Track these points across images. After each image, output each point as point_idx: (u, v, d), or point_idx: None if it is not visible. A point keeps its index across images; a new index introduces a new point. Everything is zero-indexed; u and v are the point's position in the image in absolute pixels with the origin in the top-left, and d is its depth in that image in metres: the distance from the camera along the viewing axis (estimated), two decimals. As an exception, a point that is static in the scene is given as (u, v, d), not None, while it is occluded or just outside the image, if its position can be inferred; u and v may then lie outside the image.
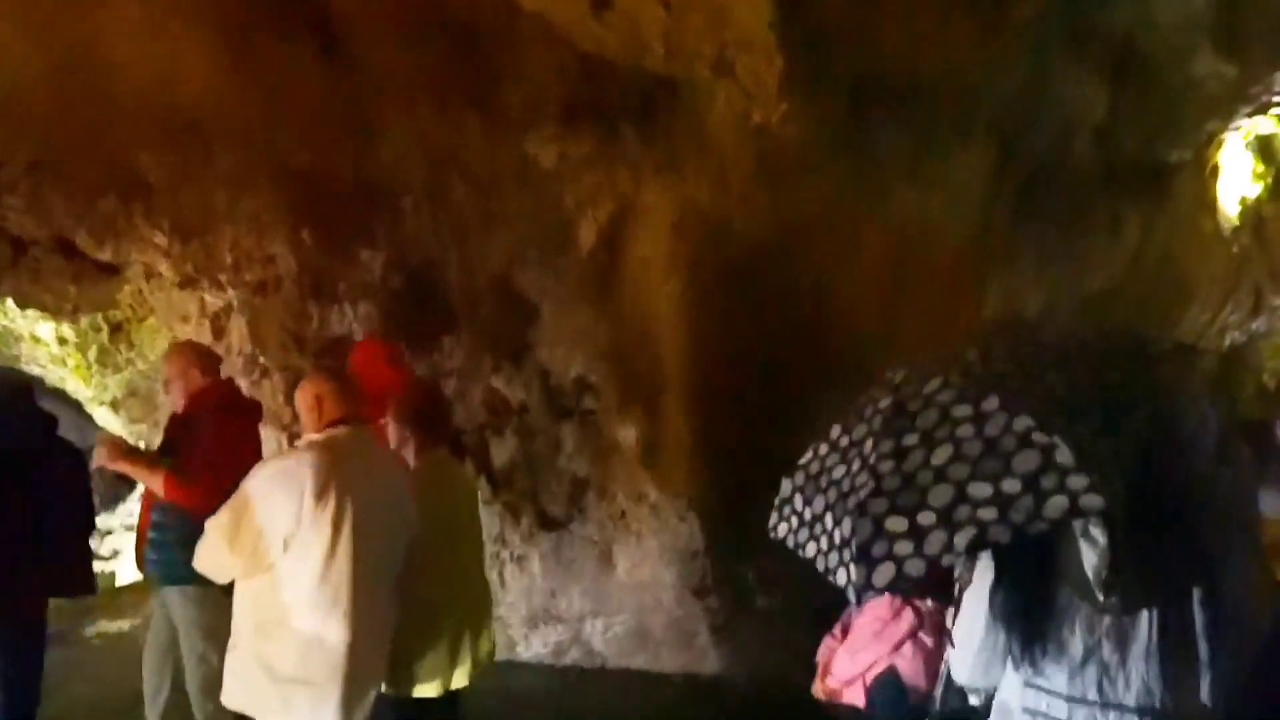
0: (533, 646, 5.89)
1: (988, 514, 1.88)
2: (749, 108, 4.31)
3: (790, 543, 2.15)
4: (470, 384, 5.92)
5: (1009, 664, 2.08)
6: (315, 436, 3.11)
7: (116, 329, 9.04)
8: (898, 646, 3.14)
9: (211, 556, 2.98)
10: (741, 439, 4.70)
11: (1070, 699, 2.00)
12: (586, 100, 4.67)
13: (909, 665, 3.10)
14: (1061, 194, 5.24)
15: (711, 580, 5.43)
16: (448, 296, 5.83)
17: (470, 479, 3.57)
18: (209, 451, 3.71)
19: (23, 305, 8.43)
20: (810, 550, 2.09)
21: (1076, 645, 1.99)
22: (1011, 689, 2.09)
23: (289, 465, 2.99)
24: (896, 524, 1.94)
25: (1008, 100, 4.89)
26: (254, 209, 6.02)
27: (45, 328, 9.91)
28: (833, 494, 2.09)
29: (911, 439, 2.04)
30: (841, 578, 1.97)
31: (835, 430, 2.19)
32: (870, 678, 3.18)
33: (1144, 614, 1.94)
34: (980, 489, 1.91)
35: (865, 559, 1.94)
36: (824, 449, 2.19)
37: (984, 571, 2.08)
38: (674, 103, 4.58)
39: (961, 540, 1.89)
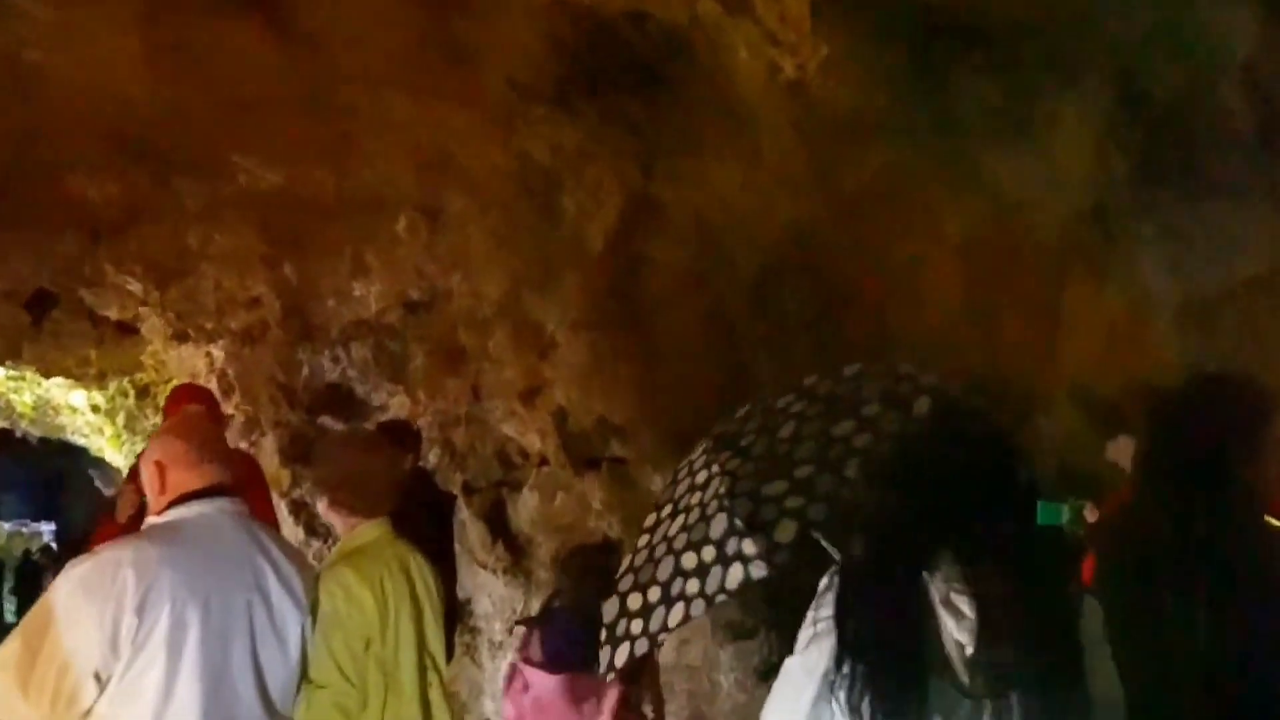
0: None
1: (693, 586, 1.81)
2: (778, 58, 3.30)
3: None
4: (481, 432, 5.02)
5: None
6: (154, 520, 2.20)
7: (143, 392, 8.59)
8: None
9: (-2, 706, 2.07)
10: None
11: None
12: (580, 74, 3.73)
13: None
14: (1202, 155, 4.06)
15: (777, 660, 4.36)
16: (452, 331, 4.95)
17: (422, 570, 2.57)
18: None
19: (46, 373, 7.99)
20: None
21: None
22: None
23: (101, 568, 2.06)
24: (634, 601, 1.91)
25: (1127, 36, 3.79)
26: (229, 244, 5.27)
27: (78, 396, 9.66)
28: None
29: (665, 510, 2.02)
30: (603, 659, 1.96)
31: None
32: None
33: (1016, 699, 1.63)
34: (689, 559, 1.85)
35: (611, 639, 1.92)
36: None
37: (819, 651, 1.70)
38: (686, 66, 3.60)
39: (675, 617, 1.82)
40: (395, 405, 5.17)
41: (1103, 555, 2.18)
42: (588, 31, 3.75)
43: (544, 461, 4.85)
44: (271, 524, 2.64)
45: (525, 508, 4.87)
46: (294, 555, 2.37)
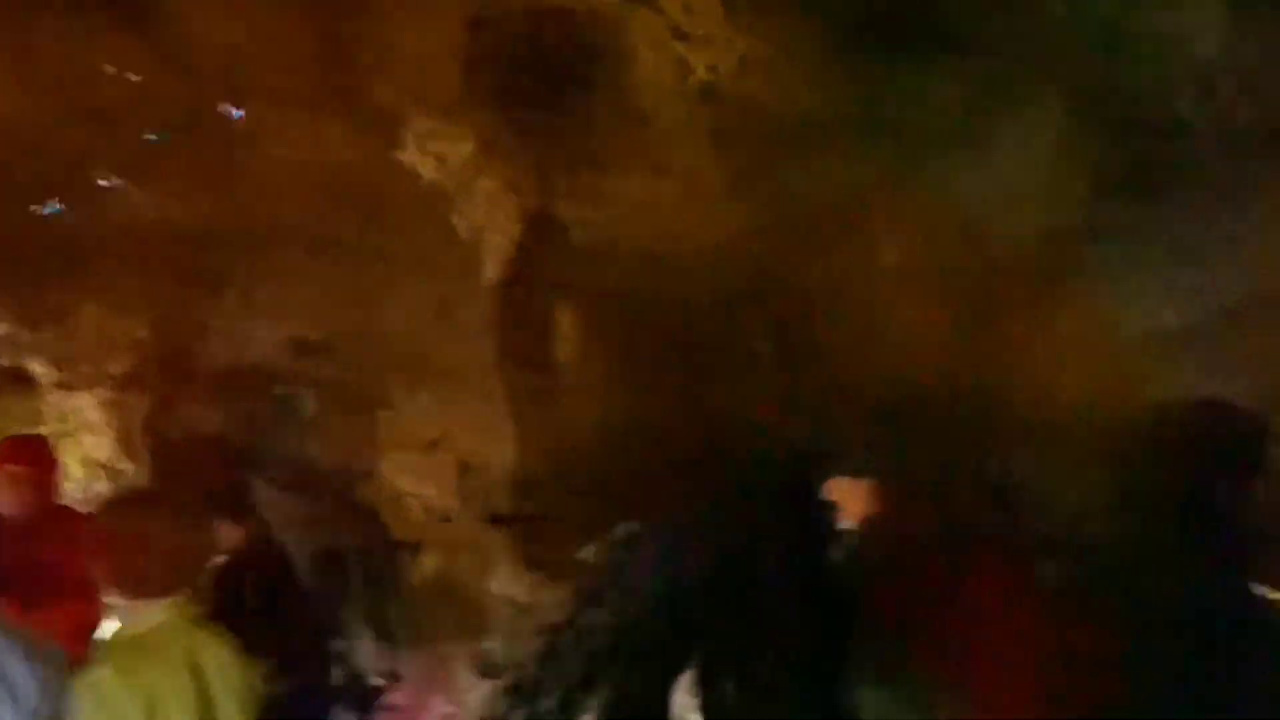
0: None
1: None
2: (687, 56, 2.88)
3: None
4: (378, 487, 4.49)
5: None
6: None
7: (45, 446, 7.97)
8: None
9: None
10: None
11: None
12: (471, 79, 3.29)
13: None
14: (1163, 172, 3.71)
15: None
16: (345, 376, 4.45)
17: (224, 668, 2.03)
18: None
19: (-67, 425, 7.37)
20: None
21: None
22: None
23: None
24: None
25: (1086, 44, 3.49)
26: (105, 279, 4.75)
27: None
28: None
29: None
30: None
31: None
32: None
33: None
34: None
35: None
36: None
37: None
38: (590, 68, 3.18)
39: None
40: (286, 455, 4.64)
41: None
42: (485, 37, 3.34)
43: (446, 518, 4.33)
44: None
45: (423, 569, 4.34)
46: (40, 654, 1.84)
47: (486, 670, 4.40)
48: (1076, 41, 3.30)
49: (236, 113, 4.21)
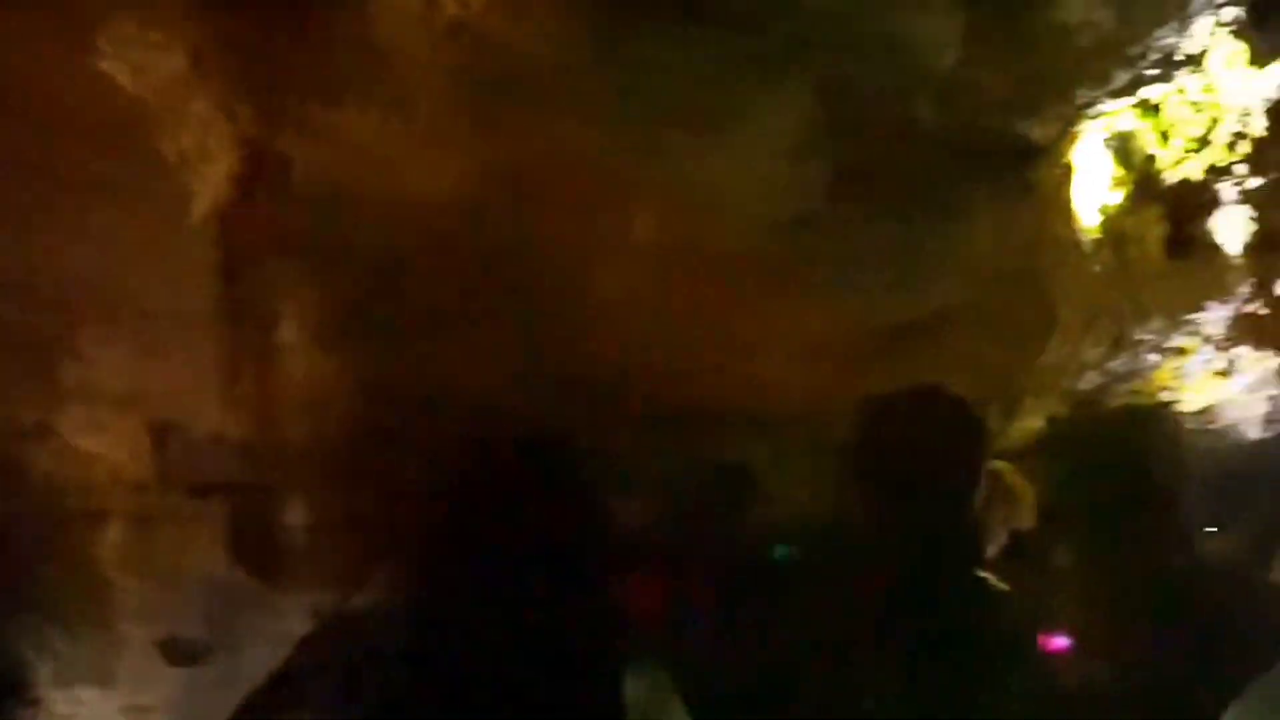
0: None
1: None
2: (437, -12, 2.63)
3: None
4: (57, 449, 3.91)
5: None
6: None
7: None
8: None
9: None
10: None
11: None
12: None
13: None
14: (905, 173, 3.85)
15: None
16: (19, 316, 3.82)
17: None
18: None
19: None
20: None
21: None
22: None
23: None
24: None
25: (837, 36, 3.50)
26: None
27: None
28: None
29: None
30: None
31: None
32: None
33: None
34: None
35: None
36: None
37: None
38: (330, -8, 2.85)
39: None
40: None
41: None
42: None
43: (141, 487, 3.83)
44: None
45: (110, 545, 3.81)
46: None
47: (177, 657, 3.96)
48: (823, 33, 3.32)
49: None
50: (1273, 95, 4.98)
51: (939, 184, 3.77)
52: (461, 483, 1.77)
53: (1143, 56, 4.18)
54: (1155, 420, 3.44)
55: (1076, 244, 5.03)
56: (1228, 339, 5.66)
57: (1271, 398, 6.00)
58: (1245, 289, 5.52)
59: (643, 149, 3.06)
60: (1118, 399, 5.98)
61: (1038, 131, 4.17)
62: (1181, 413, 5.74)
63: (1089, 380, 5.65)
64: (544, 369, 3.18)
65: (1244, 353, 5.68)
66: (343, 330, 3.21)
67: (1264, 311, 5.59)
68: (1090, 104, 4.48)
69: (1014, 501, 4.01)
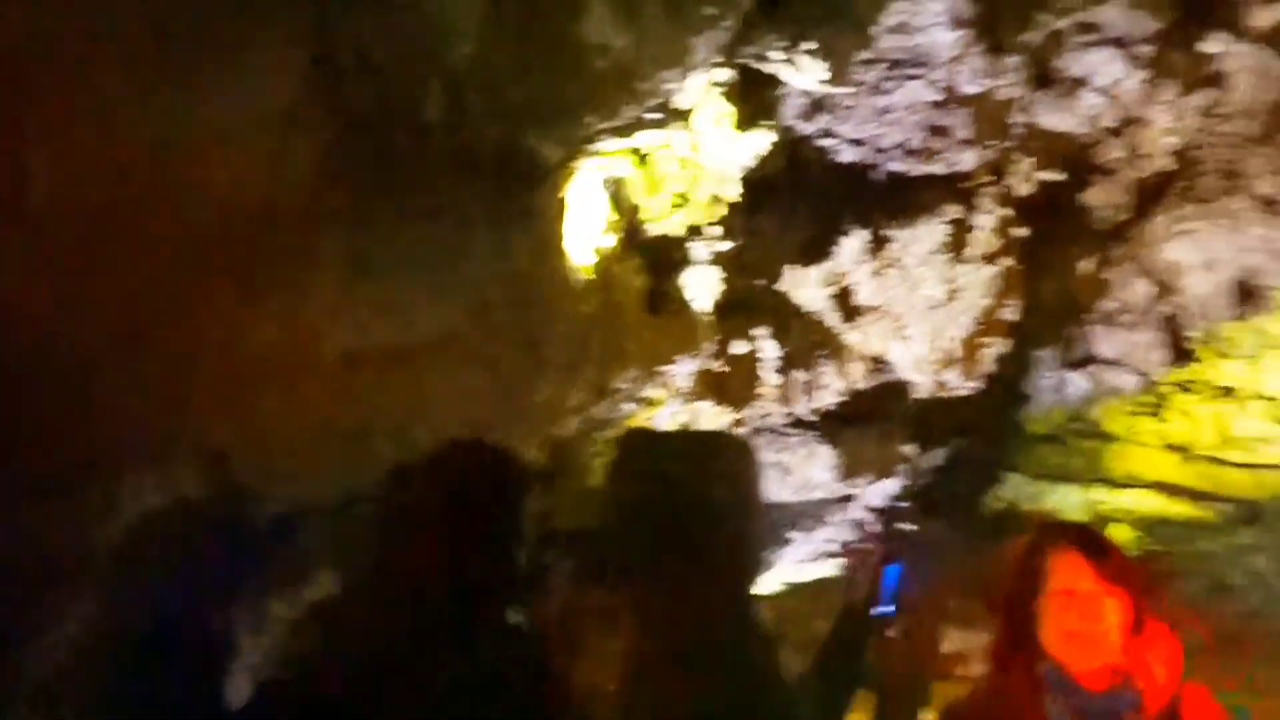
0: None
1: None
2: None
3: None
4: None
5: None
6: None
7: None
8: None
9: None
10: None
11: None
12: None
13: None
14: (402, 172, 3.27)
15: None
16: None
17: None
18: None
19: None
20: None
21: None
22: None
23: None
24: None
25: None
26: None
27: None
28: None
29: None
30: None
31: None
32: None
33: None
34: None
35: None
36: None
37: None
38: None
39: None
40: None
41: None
42: None
43: None
44: None
45: None
46: None
47: None
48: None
49: None
50: (749, 164, 5.30)
51: (451, 189, 3.26)
52: None
53: (651, 94, 4.07)
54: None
55: (569, 283, 4.85)
56: (693, 393, 5.92)
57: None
58: (710, 346, 5.82)
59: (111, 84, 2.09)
60: (595, 446, 5.96)
61: (546, 150, 3.85)
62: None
63: (568, 426, 5.52)
64: None
65: (706, 407, 5.99)
66: None
67: (725, 369, 5.96)
68: (594, 138, 4.31)
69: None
